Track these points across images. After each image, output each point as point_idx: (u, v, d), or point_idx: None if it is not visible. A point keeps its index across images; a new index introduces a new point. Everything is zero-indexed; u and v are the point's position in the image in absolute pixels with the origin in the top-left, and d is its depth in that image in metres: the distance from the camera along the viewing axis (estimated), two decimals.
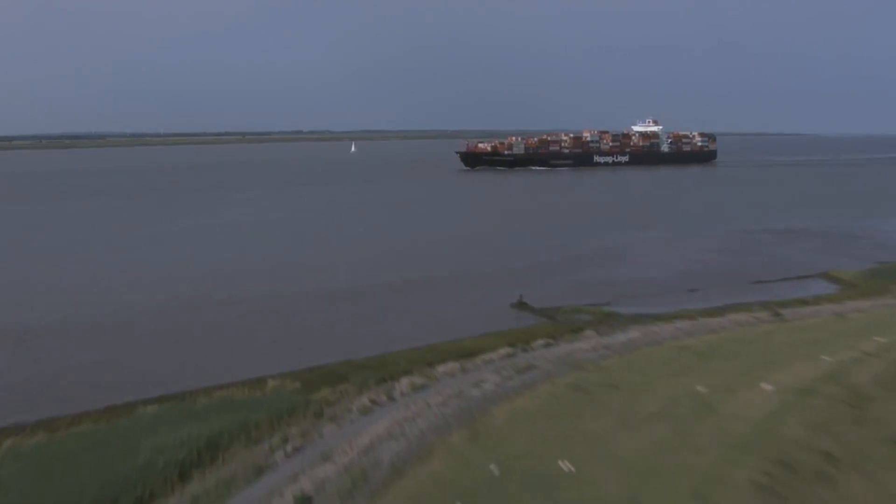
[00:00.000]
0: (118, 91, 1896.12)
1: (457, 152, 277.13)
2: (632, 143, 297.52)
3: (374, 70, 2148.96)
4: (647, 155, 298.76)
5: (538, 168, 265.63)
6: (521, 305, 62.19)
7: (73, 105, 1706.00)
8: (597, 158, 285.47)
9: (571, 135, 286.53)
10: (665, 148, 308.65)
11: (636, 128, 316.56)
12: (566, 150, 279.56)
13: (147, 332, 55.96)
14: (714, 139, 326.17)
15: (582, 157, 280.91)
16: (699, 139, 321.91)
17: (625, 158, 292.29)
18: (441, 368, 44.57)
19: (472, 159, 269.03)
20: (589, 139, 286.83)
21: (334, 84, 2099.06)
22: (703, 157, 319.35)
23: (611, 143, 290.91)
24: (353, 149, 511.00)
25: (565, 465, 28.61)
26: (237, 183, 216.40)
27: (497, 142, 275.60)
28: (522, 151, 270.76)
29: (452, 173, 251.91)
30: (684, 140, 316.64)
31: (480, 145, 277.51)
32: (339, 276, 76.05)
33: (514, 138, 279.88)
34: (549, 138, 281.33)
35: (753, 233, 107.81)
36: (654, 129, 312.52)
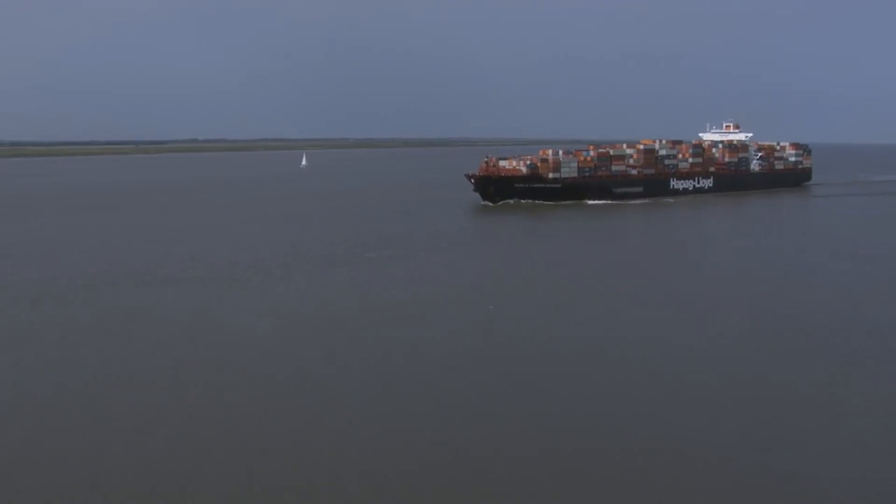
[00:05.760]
0: None
1: (468, 176, 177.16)
2: (715, 161, 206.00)
3: (273, 78, 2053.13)
4: (734, 177, 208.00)
5: (598, 202, 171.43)
6: None
7: None
8: (674, 184, 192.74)
9: (640, 146, 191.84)
10: (755, 166, 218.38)
11: (708, 135, 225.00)
12: (634, 172, 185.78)
13: None
14: (809, 152, 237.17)
15: (655, 181, 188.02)
16: (792, 153, 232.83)
17: (708, 182, 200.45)
18: None
19: (497, 188, 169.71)
20: (661, 152, 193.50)
21: (230, 91, 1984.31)
22: (796, 177, 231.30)
23: (691, 161, 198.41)
24: (304, 162, 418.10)
25: None
26: (194, 250, 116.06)
27: (535, 158, 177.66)
28: (576, 174, 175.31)
29: (472, 214, 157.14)
30: (776, 154, 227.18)
31: (504, 163, 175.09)
32: None
33: (550, 152, 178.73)
34: (610, 152, 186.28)
35: None
36: (741, 136, 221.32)
